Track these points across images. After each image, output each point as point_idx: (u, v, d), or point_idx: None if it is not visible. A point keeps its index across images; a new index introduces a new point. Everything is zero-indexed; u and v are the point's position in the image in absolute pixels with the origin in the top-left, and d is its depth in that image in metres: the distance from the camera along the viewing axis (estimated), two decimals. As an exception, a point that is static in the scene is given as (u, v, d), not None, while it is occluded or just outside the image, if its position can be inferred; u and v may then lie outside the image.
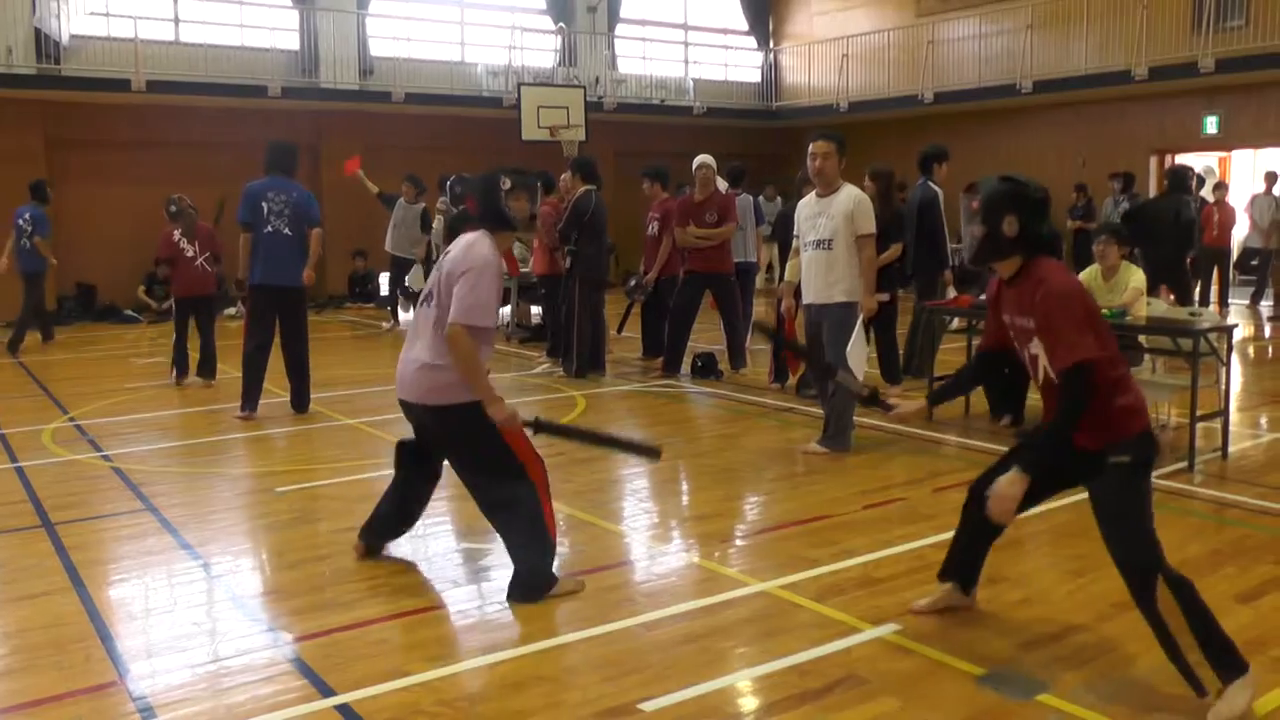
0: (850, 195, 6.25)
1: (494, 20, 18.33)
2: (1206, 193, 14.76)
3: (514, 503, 4.02)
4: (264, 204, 7.41)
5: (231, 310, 13.69)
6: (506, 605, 3.97)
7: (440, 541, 4.85)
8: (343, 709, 3.14)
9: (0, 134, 14.24)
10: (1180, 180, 10.32)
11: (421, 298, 4.18)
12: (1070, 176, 16.23)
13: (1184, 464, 5.93)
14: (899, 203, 8.70)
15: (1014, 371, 3.69)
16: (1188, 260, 10.67)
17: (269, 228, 7.40)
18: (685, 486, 5.98)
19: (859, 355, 6.07)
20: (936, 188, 8.76)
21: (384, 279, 14.91)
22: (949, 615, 3.78)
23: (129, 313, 14.92)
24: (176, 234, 9.12)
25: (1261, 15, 14.14)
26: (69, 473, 6.11)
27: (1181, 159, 15.63)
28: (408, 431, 4.41)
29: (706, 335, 10.39)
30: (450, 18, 18.02)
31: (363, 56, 16.76)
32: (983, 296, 6.90)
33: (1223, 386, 6.32)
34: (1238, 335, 9.51)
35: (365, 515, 4.54)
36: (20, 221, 11.33)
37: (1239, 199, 15.45)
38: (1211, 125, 15.68)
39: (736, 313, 9.41)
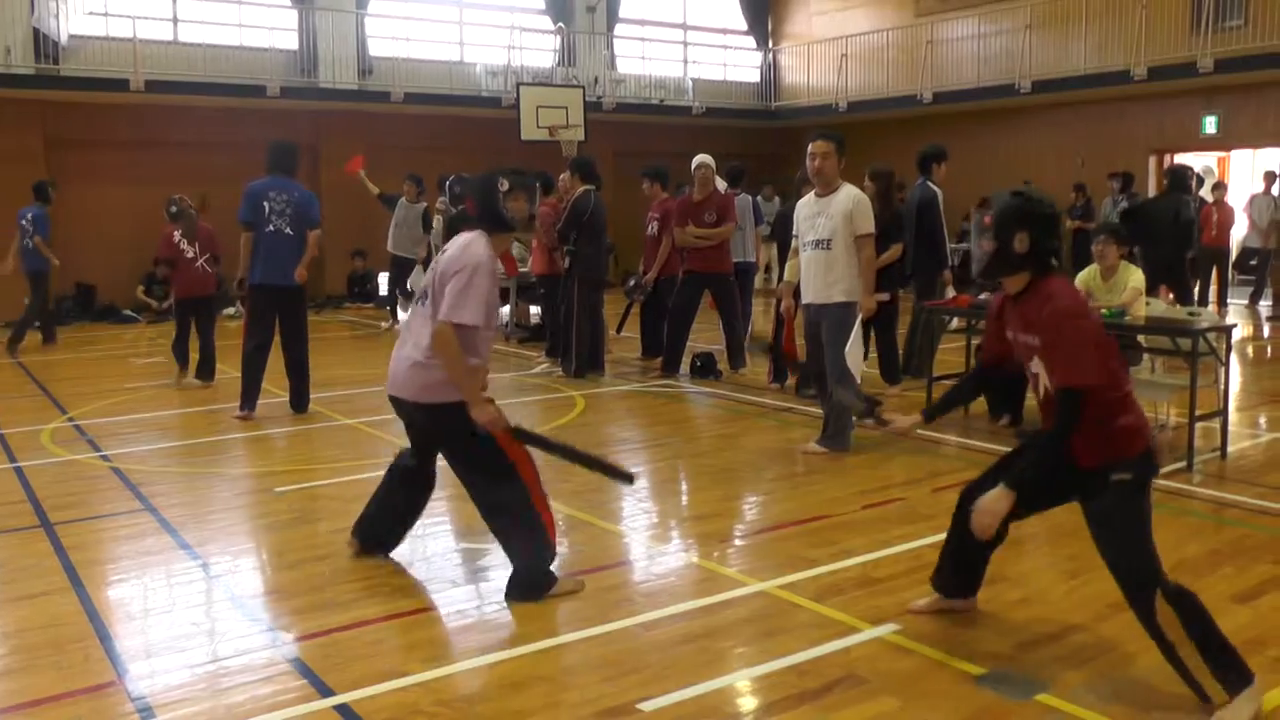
0: (849, 195, 6.24)
1: (493, 20, 18.32)
2: (1205, 193, 14.76)
3: (510, 502, 4.03)
4: (265, 203, 7.41)
5: (231, 310, 13.69)
6: (505, 605, 3.97)
7: (439, 541, 4.85)
8: (341, 709, 3.14)
9: (-1, 134, 14.28)
10: (1180, 180, 10.32)
11: (417, 296, 4.18)
12: (1069, 176, 16.23)
13: (1183, 464, 5.93)
14: (898, 203, 8.70)
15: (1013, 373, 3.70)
16: (1187, 260, 10.68)
17: (270, 227, 7.40)
18: (684, 486, 5.99)
19: (857, 355, 6.08)
20: (935, 188, 8.76)
21: (383, 279, 14.91)
22: (948, 615, 3.78)
23: (128, 313, 14.92)
24: (177, 235, 9.12)
25: (1260, 15, 14.13)
26: (68, 473, 6.11)
27: (1180, 159, 15.63)
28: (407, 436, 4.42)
29: (705, 335, 10.39)
30: (449, 17, 18.02)
31: (362, 56, 16.76)
32: (984, 296, 6.91)
33: (1221, 386, 6.33)
34: (1237, 335, 9.53)
35: (365, 515, 4.55)
36: (23, 222, 11.37)
37: (1238, 199, 15.45)
38: (1210, 125, 15.67)
39: (735, 313, 9.40)
